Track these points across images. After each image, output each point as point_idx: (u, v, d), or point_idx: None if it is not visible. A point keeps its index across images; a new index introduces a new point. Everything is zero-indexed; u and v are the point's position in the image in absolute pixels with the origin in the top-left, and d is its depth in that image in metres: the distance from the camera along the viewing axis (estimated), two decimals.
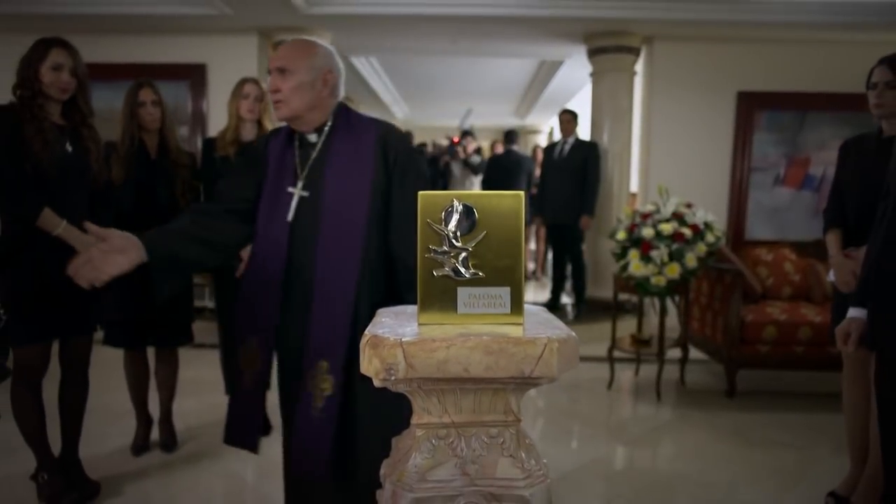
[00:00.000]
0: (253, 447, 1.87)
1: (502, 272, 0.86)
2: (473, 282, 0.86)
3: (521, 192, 0.86)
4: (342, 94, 1.80)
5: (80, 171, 2.29)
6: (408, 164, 1.75)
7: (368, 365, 0.79)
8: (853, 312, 1.90)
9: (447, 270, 0.85)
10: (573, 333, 0.81)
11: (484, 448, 0.85)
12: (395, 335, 0.79)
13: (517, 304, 0.86)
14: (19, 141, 2.14)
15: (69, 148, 2.27)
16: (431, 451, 0.85)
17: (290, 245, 1.74)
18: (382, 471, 0.95)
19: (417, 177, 1.76)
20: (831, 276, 2.39)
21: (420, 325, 0.85)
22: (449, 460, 0.84)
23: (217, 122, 5.45)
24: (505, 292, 0.86)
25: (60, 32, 5.03)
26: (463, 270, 0.85)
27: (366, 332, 0.82)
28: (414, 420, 0.86)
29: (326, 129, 1.76)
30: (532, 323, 0.86)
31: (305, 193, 1.74)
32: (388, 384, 0.80)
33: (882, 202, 1.87)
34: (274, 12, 5.02)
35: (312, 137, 1.77)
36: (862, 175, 2.28)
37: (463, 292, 0.86)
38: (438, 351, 0.77)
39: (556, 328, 0.83)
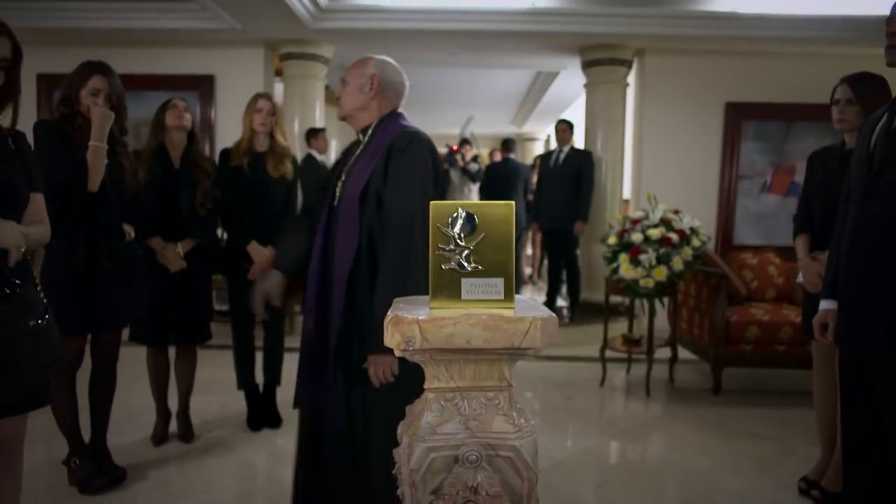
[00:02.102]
0: (324, 406, 1.98)
1: (497, 266, 1.07)
2: (474, 274, 1.07)
3: (513, 202, 1.07)
4: (396, 100, 2.01)
5: (114, 183, 2.49)
6: (399, 160, 1.87)
7: (391, 338, 0.99)
8: (825, 304, 2.09)
9: (453, 265, 1.06)
10: (553, 315, 1.02)
11: (482, 408, 1.05)
12: (413, 315, 0.99)
13: (509, 292, 1.07)
14: (60, 150, 2.35)
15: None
16: (440, 410, 1.05)
17: (329, 228, 2.00)
18: (399, 430, 1.15)
19: (405, 172, 1.86)
20: (800, 278, 2.60)
21: (431, 308, 1.06)
22: (454, 417, 1.05)
23: (224, 131, 5.66)
24: (500, 282, 1.07)
25: (78, 45, 5.26)
26: (466, 265, 1.06)
27: (388, 313, 1.03)
28: (426, 385, 1.07)
29: (370, 130, 2.00)
30: (521, 307, 1.07)
31: (342, 183, 2.01)
32: (406, 354, 1.01)
33: (843, 205, 2.07)
34: (281, 26, 5.23)
35: (360, 137, 2.03)
36: (827, 185, 2.49)
37: (466, 282, 1.07)
38: (447, 327, 0.98)
39: (540, 311, 1.03)
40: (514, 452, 1.04)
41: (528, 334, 0.98)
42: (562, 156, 5.80)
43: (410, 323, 0.97)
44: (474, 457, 1.03)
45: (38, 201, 1.79)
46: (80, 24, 5.18)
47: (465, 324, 0.98)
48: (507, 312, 1.02)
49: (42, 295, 1.74)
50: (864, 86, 2.38)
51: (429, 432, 1.04)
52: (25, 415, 1.78)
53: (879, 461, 1.86)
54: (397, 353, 1.00)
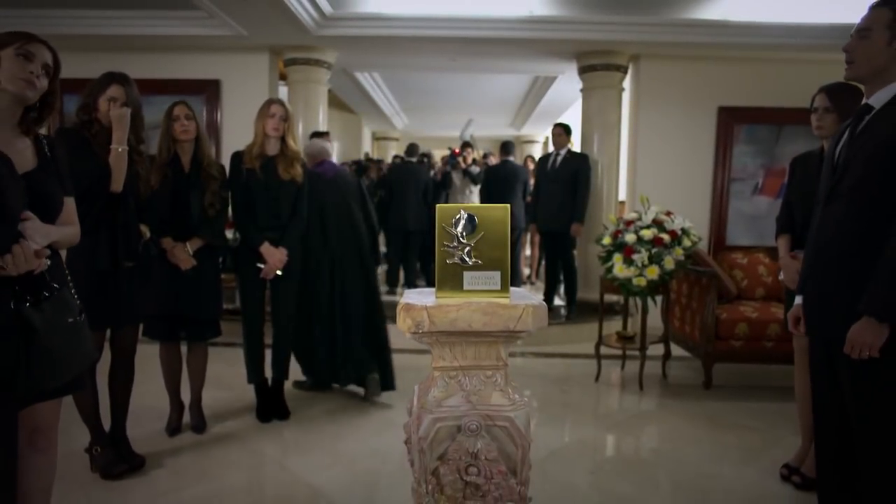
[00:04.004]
0: None
1: (495, 261, 1.22)
2: (474, 267, 1.22)
3: (508, 205, 1.23)
4: (316, 158, 3.01)
5: (130, 188, 2.64)
6: None
7: (402, 323, 1.15)
8: (800, 300, 2.24)
9: (456, 259, 1.22)
10: (544, 303, 1.17)
11: (482, 384, 1.21)
12: (422, 303, 1.15)
13: (505, 283, 1.22)
14: (83, 156, 2.49)
15: None
16: (445, 386, 1.21)
17: None
18: (408, 405, 1.31)
19: None
20: (781, 276, 2.75)
21: (438, 297, 1.21)
22: (457, 392, 1.20)
23: (230, 134, 5.81)
24: (496, 275, 1.22)
25: (88, 51, 5.37)
26: (467, 259, 1.22)
27: (400, 301, 1.18)
28: (433, 364, 1.22)
29: None
30: (515, 296, 1.22)
31: None
32: (416, 337, 1.16)
33: (816, 207, 2.23)
34: (286, 33, 5.37)
35: None
36: (806, 188, 2.64)
37: (467, 275, 1.22)
38: (451, 312, 1.13)
39: (531, 299, 1.19)
40: (510, 422, 1.19)
41: (521, 319, 1.14)
42: (558, 159, 5.94)
43: (420, 309, 1.13)
44: (475, 426, 1.18)
45: (69, 205, 1.94)
46: (90, 31, 5.31)
47: (467, 310, 1.13)
48: (503, 300, 1.17)
49: (76, 296, 1.89)
50: (840, 95, 2.53)
51: (435, 405, 1.19)
52: (59, 400, 1.92)
53: (847, 443, 2.01)
54: (408, 336, 1.16)
